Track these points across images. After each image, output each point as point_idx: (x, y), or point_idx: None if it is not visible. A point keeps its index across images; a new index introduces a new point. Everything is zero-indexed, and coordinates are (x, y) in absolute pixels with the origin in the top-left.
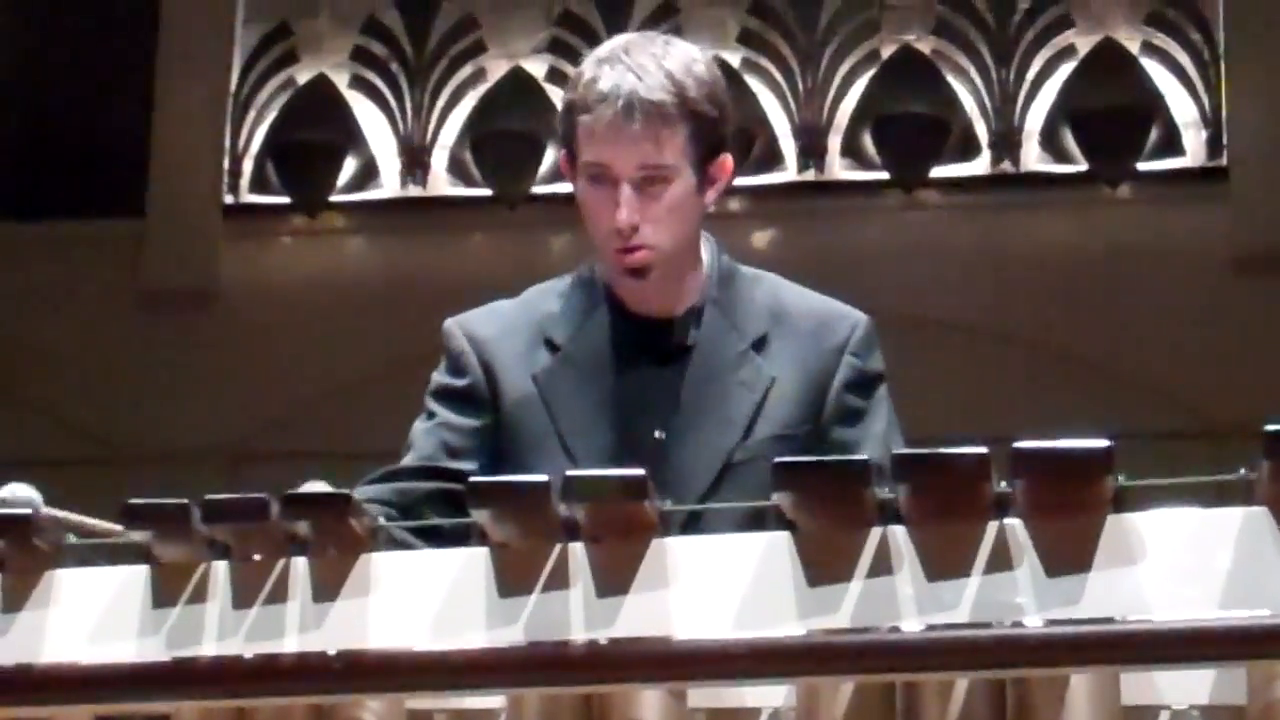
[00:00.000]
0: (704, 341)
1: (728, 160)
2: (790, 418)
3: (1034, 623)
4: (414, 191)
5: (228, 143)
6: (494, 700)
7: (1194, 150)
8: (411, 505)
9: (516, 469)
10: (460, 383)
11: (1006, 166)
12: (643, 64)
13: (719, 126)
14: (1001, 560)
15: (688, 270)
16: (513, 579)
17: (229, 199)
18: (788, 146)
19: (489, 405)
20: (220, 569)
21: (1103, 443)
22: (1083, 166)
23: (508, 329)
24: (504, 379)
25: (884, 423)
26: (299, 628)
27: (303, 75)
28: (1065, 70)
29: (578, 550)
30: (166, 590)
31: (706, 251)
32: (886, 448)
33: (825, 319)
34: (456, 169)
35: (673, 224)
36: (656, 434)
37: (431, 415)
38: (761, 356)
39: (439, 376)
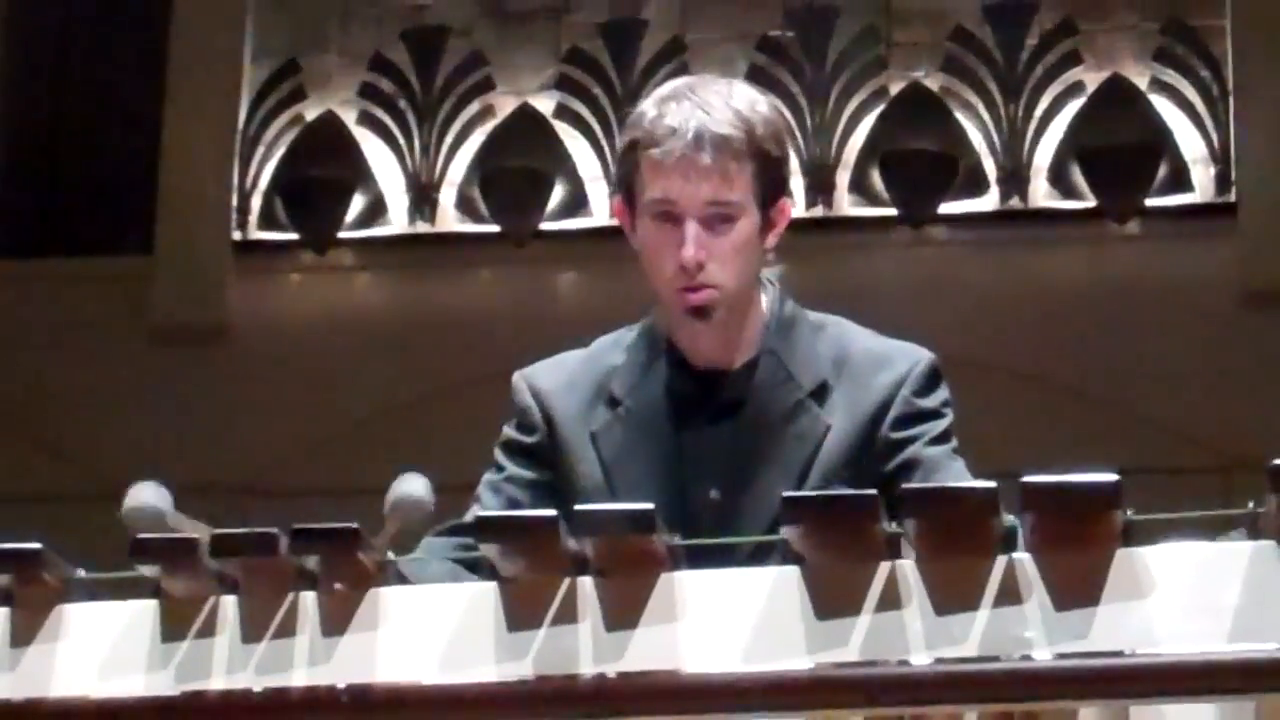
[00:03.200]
0: (759, 394)
1: (788, 204)
2: (840, 461)
3: (1043, 656)
4: (422, 228)
5: (236, 179)
6: None
7: (1203, 186)
8: (476, 561)
9: None
10: (527, 439)
11: (1015, 203)
12: (709, 101)
13: (782, 167)
14: (1010, 594)
15: (747, 318)
16: (521, 613)
17: (237, 236)
18: (796, 183)
19: (552, 462)
20: (229, 603)
21: (1111, 477)
22: (1091, 203)
23: (572, 383)
24: (564, 434)
25: (935, 435)
26: (308, 662)
27: (311, 112)
28: (1074, 106)
29: (586, 584)
30: (175, 624)
31: (767, 299)
32: (937, 456)
33: (885, 358)
34: (465, 206)
35: (738, 264)
36: (712, 494)
37: (500, 469)
38: (821, 406)
39: (508, 430)
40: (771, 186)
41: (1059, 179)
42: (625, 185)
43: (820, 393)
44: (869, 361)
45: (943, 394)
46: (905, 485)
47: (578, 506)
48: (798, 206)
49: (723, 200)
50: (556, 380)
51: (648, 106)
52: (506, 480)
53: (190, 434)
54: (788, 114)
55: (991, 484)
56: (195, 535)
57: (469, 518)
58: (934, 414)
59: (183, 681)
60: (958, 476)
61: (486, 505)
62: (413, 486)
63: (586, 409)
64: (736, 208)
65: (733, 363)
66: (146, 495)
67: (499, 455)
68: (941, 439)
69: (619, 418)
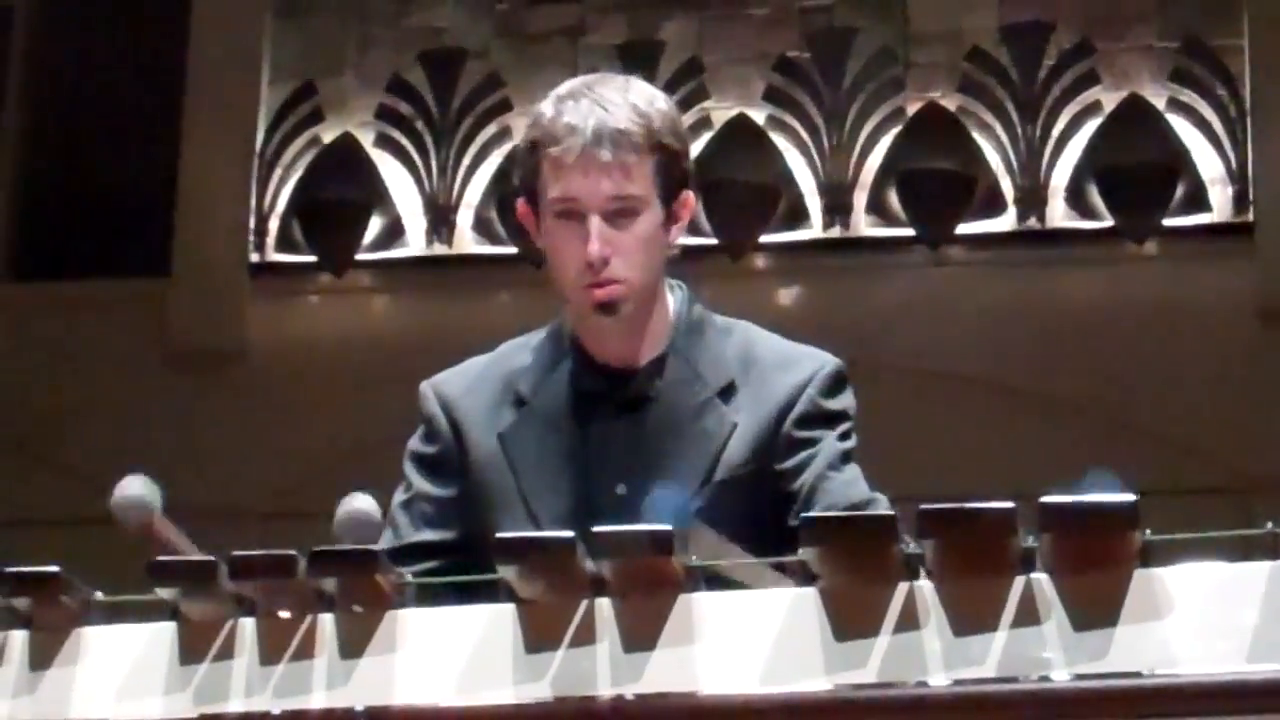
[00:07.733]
0: (666, 391)
1: (690, 197)
2: (743, 456)
3: (1061, 677)
4: (440, 250)
5: (253, 201)
6: None
7: (1220, 206)
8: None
9: (485, 529)
10: (432, 449)
11: (1032, 223)
12: (607, 97)
13: (683, 160)
14: (1028, 615)
15: (652, 315)
16: (539, 634)
17: (255, 258)
18: (813, 203)
19: (459, 470)
20: (247, 625)
21: (1129, 497)
22: (1109, 223)
23: (477, 386)
24: (471, 438)
25: (836, 445)
26: (326, 684)
27: (328, 134)
28: (1091, 126)
29: (604, 606)
30: (194, 647)
31: (674, 300)
32: (832, 465)
33: (792, 360)
34: (482, 227)
35: (642, 257)
36: (618, 490)
37: (409, 486)
38: (727, 404)
39: (414, 443)
40: (673, 180)
41: (1076, 199)
42: (528, 186)
43: (727, 392)
44: (775, 362)
45: (847, 398)
46: (922, 506)
47: (595, 528)
48: (815, 227)
49: (624, 195)
50: (462, 385)
51: (545, 107)
52: (415, 498)
53: (208, 456)
54: (804, 134)
55: (1009, 504)
56: (181, 544)
57: (388, 542)
58: (837, 416)
59: (201, 704)
60: (849, 482)
61: (400, 526)
62: (362, 504)
63: (493, 411)
64: (638, 201)
65: (639, 360)
66: (136, 488)
67: (408, 470)
68: (842, 440)
69: (525, 417)
